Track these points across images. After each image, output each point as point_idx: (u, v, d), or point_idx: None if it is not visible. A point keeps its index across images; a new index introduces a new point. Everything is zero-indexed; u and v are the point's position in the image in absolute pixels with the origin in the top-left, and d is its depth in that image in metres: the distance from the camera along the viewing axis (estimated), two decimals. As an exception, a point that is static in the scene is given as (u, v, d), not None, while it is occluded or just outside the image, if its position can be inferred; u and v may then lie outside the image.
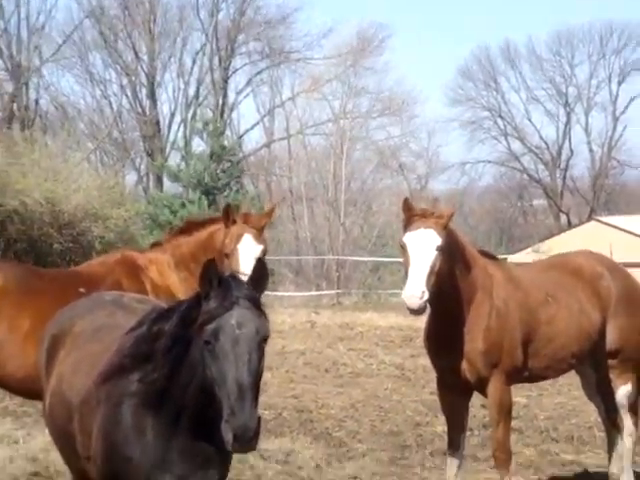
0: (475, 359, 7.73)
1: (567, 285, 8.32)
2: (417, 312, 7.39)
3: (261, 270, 4.82)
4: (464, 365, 7.76)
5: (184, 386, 4.80)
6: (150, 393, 4.90)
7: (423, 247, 7.41)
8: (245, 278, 4.86)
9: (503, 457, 7.89)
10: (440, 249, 7.40)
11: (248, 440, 4.41)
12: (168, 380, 4.85)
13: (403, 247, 7.52)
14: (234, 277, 4.79)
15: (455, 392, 7.97)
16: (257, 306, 4.69)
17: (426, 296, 7.29)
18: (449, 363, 7.82)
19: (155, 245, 8.52)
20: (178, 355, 4.81)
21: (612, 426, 8.68)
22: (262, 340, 4.62)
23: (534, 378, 8.53)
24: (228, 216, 8.10)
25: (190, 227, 8.42)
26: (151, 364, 4.92)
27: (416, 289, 7.30)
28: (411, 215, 7.57)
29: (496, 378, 7.77)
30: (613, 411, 8.61)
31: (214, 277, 4.69)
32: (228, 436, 4.42)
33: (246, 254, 7.87)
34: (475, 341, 7.72)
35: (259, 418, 4.46)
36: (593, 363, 8.53)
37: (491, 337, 7.73)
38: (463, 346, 7.73)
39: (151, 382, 4.89)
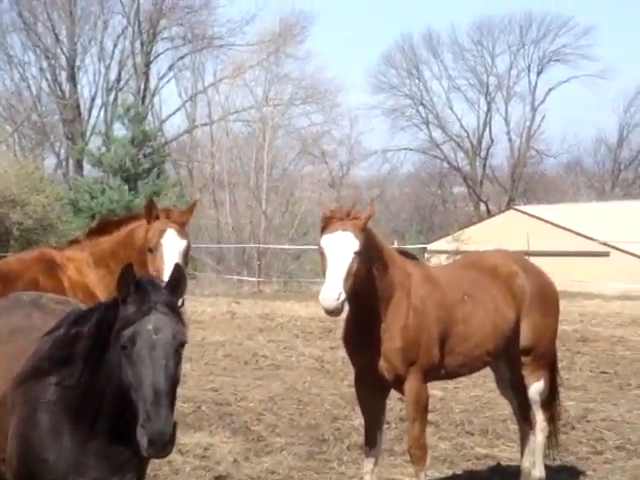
0: (393, 357, 7.83)
1: (483, 284, 8.46)
2: (333, 313, 7.47)
3: (178, 275, 4.84)
4: (382, 363, 7.86)
5: (101, 390, 4.81)
6: (68, 396, 4.90)
7: (340, 250, 7.48)
8: (165, 278, 4.90)
9: (419, 453, 8.02)
10: (357, 253, 7.48)
11: (163, 445, 4.45)
12: (86, 384, 4.86)
13: (321, 250, 7.60)
14: (152, 282, 4.80)
15: (373, 390, 8.08)
16: (175, 311, 4.71)
17: (343, 297, 7.37)
18: (367, 361, 7.92)
19: (73, 243, 8.45)
20: (96, 359, 4.81)
21: (524, 421, 8.86)
22: (179, 345, 4.64)
23: (450, 375, 8.67)
24: (151, 212, 8.05)
25: (108, 225, 8.36)
26: (69, 367, 4.92)
27: (333, 291, 7.38)
28: (329, 218, 7.65)
29: (413, 376, 7.89)
30: (526, 407, 8.79)
31: (131, 281, 4.71)
32: (143, 441, 4.45)
33: (170, 249, 7.84)
34: (393, 339, 7.82)
35: (175, 424, 4.49)
36: (507, 360, 8.69)
37: (409, 335, 7.83)
38: (381, 344, 7.83)
39: (69, 386, 4.89)
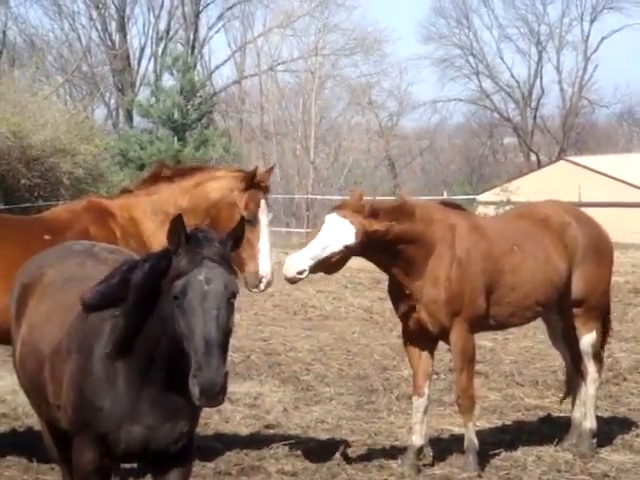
0: (436, 309, 7.89)
1: (534, 234, 8.43)
2: (290, 282, 7.62)
3: (242, 229, 4.86)
4: (426, 316, 7.90)
5: (154, 338, 4.84)
6: (121, 343, 4.93)
7: (334, 237, 7.62)
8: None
9: (467, 404, 8.07)
10: (347, 247, 7.62)
11: (214, 395, 4.48)
12: (138, 331, 4.89)
13: (323, 221, 7.77)
14: (204, 233, 4.79)
15: (420, 340, 8.10)
16: (227, 263, 4.71)
17: (304, 275, 7.56)
18: (412, 313, 7.96)
19: (125, 192, 8.26)
20: (147, 306, 4.85)
21: (576, 373, 8.84)
22: (231, 296, 4.65)
23: (499, 326, 8.67)
24: (253, 177, 7.78)
25: (169, 174, 8.00)
26: (121, 313, 4.95)
27: (300, 264, 7.54)
28: (347, 204, 7.81)
29: (458, 327, 7.91)
30: (577, 358, 8.75)
31: (182, 233, 4.71)
32: (195, 390, 4.49)
33: (264, 224, 7.67)
34: (436, 291, 7.88)
35: (226, 373, 4.51)
36: (559, 311, 8.67)
37: (452, 287, 7.89)
38: (424, 297, 7.88)
39: (122, 334, 4.92)
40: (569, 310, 8.61)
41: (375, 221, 7.69)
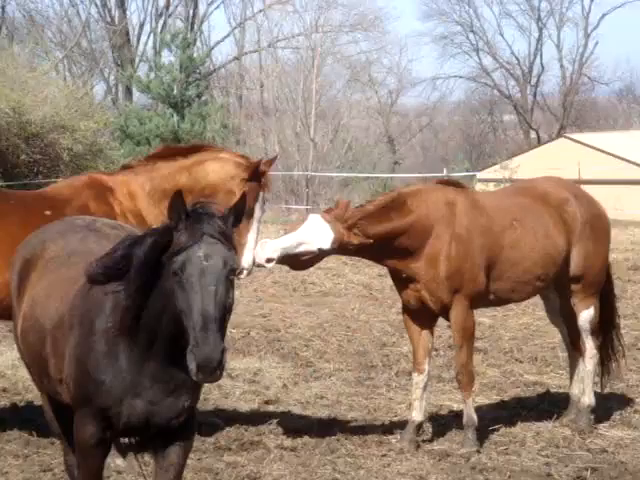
0: (437, 286, 7.94)
1: (533, 210, 8.45)
2: (256, 266, 7.69)
3: (243, 205, 4.88)
4: (427, 294, 7.94)
5: (156, 314, 4.86)
6: (122, 318, 4.95)
7: (313, 237, 7.68)
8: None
9: (466, 380, 8.12)
10: (320, 251, 7.72)
11: (211, 371, 4.50)
12: (139, 306, 4.91)
13: (304, 218, 7.89)
14: (204, 209, 4.80)
15: (420, 317, 8.15)
16: (226, 239, 4.73)
17: (272, 264, 7.65)
18: (413, 290, 8.00)
19: (125, 168, 8.26)
20: (149, 281, 4.86)
21: (574, 349, 8.87)
22: (230, 272, 4.67)
23: (500, 301, 8.70)
24: (256, 168, 7.80)
25: (171, 152, 8.07)
26: (123, 288, 4.97)
27: (271, 252, 7.60)
28: (337, 206, 7.85)
29: (458, 303, 7.95)
30: (575, 334, 8.79)
31: (182, 209, 4.73)
32: (192, 366, 4.52)
33: (258, 218, 7.73)
34: (436, 269, 7.92)
35: (223, 349, 4.52)
36: (557, 287, 8.70)
37: (451, 264, 7.93)
38: (425, 277, 7.91)
39: (123, 307, 4.94)
40: (567, 286, 8.64)
41: (354, 235, 7.73)
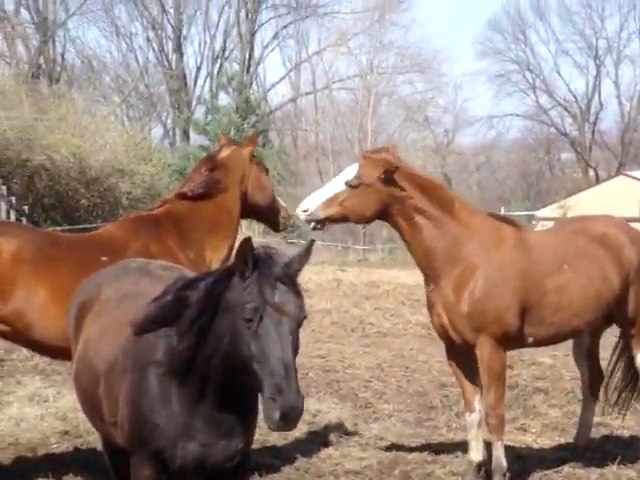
0: (458, 322, 7.68)
1: (589, 252, 8.16)
2: (310, 224, 7.76)
3: (310, 250, 4.88)
4: (447, 321, 7.75)
5: (209, 356, 4.82)
6: (175, 362, 4.92)
7: (340, 177, 7.74)
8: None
9: (496, 423, 7.80)
10: (348, 184, 7.58)
11: (294, 419, 4.48)
12: (193, 350, 4.87)
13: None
14: (270, 254, 4.77)
15: (459, 356, 7.95)
16: (296, 285, 4.74)
17: (307, 214, 7.66)
18: (441, 326, 7.84)
19: (165, 203, 8.08)
20: (203, 325, 4.82)
21: (591, 395, 8.74)
22: (303, 319, 4.70)
23: (541, 344, 8.38)
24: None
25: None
26: (176, 332, 4.94)
27: (307, 203, 7.69)
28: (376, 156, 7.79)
29: (484, 342, 7.66)
30: (596, 381, 8.70)
31: (250, 255, 4.69)
32: (275, 415, 4.45)
33: None
34: (457, 300, 7.67)
35: (303, 397, 4.52)
36: (589, 330, 8.49)
37: (474, 302, 7.64)
38: (445, 300, 7.72)
39: (176, 350, 4.91)
40: (598, 330, 8.51)
41: (384, 185, 7.60)
